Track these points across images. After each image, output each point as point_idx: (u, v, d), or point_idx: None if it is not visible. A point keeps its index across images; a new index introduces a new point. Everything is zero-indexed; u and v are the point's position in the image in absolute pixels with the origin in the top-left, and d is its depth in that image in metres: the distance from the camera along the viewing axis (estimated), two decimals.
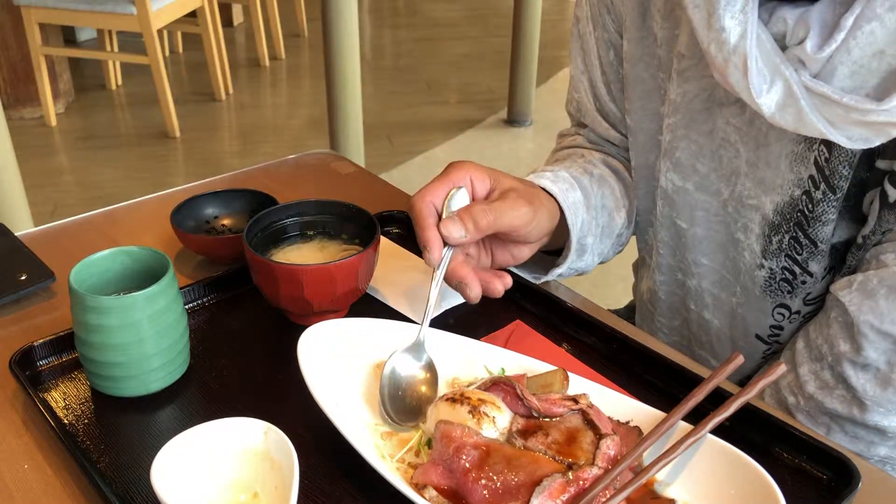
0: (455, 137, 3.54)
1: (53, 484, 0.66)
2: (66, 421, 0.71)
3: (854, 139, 0.64)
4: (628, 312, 1.10)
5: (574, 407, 0.65)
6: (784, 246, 0.78)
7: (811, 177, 0.73)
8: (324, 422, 0.64)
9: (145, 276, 0.74)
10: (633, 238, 0.98)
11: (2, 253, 0.94)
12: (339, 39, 2.54)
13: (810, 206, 0.74)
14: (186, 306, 0.82)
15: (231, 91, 3.94)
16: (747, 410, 0.70)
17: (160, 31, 3.69)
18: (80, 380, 0.76)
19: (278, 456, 0.60)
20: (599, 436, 0.62)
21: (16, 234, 0.98)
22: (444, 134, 3.56)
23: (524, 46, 3.47)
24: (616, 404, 0.69)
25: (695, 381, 0.74)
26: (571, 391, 0.69)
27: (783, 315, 0.81)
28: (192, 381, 0.76)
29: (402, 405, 0.69)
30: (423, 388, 0.70)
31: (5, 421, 0.72)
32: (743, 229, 0.80)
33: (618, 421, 0.67)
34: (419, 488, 0.60)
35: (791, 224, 0.76)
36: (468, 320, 0.82)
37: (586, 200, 0.84)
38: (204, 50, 3.69)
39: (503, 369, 0.73)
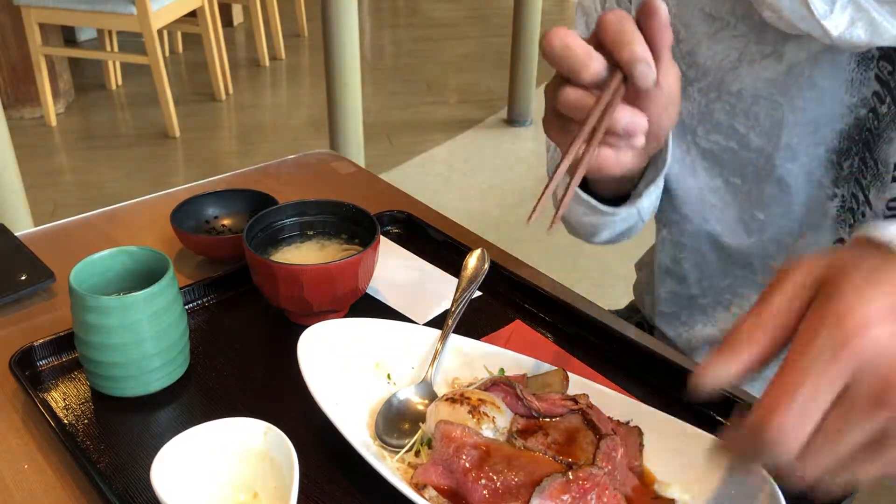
0: (455, 137, 3.54)
1: (53, 484, 0.66)
2: (66, 421, 0.71)
3: None
4: (628, 312, 1.10)
5: (574, 407, 0.65)
6: (854, 170, 0.76)
7: (875, 93, 0.72)
8: (324, 422, 0.64)
9: (145, 276, 0.74)
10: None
11: (2, 253, 0.94)
12: (339, 39, 2.54)
13: (876, 122, 0.73)
14: (186, 306, 0.82)
15: (231, 91, 3.94)
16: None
17: (160, 31, 3.69)
18: (80, 380, 0.76)
19: (278, 456, 0.60)
20: (599, 436, 0.63)
21: (16, 234, 0.98)
22: (444, 134, 3.56)
23: (524, 46, 3.47)
24: (616, 404, 0.69)
25: None
26: (571, 391, 0.69)
27: None
28: (192, 381, 0.76)
29: (397, 432, 0.68)
30: (422, 425, 0.68)
31: (5, 421, 0.72)
32: (806, 169, 0.79)
33: (618, 421, 0.67)
34: (419, 488, 0.60)
35: (860, 145, 0.75)
36: (468, 320, 0.82)
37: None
38: (204, 50, 3.69)
39: (503, 369, 0.73)
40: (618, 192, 0.81)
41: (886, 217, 0.75)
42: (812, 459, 0.45)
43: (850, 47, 0.68)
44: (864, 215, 0.76)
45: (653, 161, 0.78)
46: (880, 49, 0.70)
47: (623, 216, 0.83)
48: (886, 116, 0.72)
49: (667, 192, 0.90)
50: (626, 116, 0.58)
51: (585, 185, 0.82)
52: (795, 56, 0.74)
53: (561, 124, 0.62)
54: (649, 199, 0.83)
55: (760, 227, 0.85)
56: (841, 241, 0.78)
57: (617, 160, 0.66)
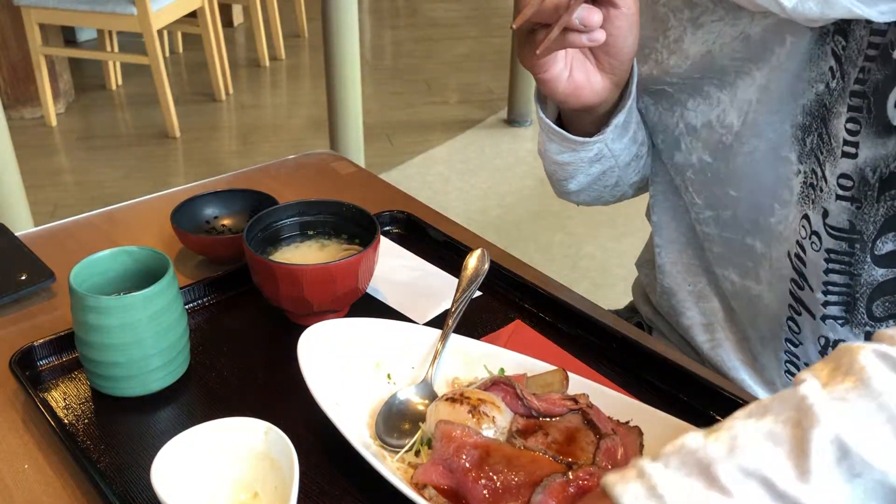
0: (455, 137, 3.54)
1: (53, 484, 0.66)
2: (66, 421, 0.71)
3: (885, 13, 0.66)
4: (628, 312, 1.10)
5: (574, 407, 0.65)
6: (814, 145, 0.77)
7: (830, 68, 0.73)
8: (324, 422, 0.64)
9: (145, 276, 0.74)
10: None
11: (2, 253, 0.94)
12: (339, 39, 2.54)
13: (829, 97, 0.74)
14: (186, 306, 0.82)
15: (231, 91, 3.94)
16: None
17: (160, 32, 3.69)
18: (80, 380, 0.76)
19: (278, 456, 0.60)
20: (599, 436, 0.63)
21: (16, 234, 0.98)
22: (444, 134, 3.56)
23: None
24: (616, 404, 0.69)
25: (694, 380, 0.74)
26: (571, 391, 0.69)
27: (805, 230, 0.79)
28: (192, 381, 0.76)
29: (397, 432, 0.68)
30: (422, 425, 0.69)
31: (5, 421, 0.72)
32: (773, 145, 0.80)
33: (618, 421, 0.67)
34: (419, 488, 0.60)
35: (819, 121, 0.76)
36: (468, 320, 0.82)
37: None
38: (204, 50, 3.69)
39: (503, 369, 0.73)
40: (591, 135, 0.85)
41: (838, 196, 0.75)
42: None
43: (804, 20, 0.69)
44: (821, 190, 0.76)
45: (622, 94, 0.83)
46: (835, 24, 0.71)
47: (595, 153, 0.85)
48: (836, 91, 0.73)
49: (661, 162, 0.91)
50: (582, 10, 0.67)
51: (560, 125, 0.86)
52: (759, 34, 0.76)
53: (532, 47, 0.71)
54: (621, 139, 0.85)
55: (734, 202, 0.85)
56: (806, 217, 0.79)
57: (588, 82, 0.77)
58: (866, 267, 0.75)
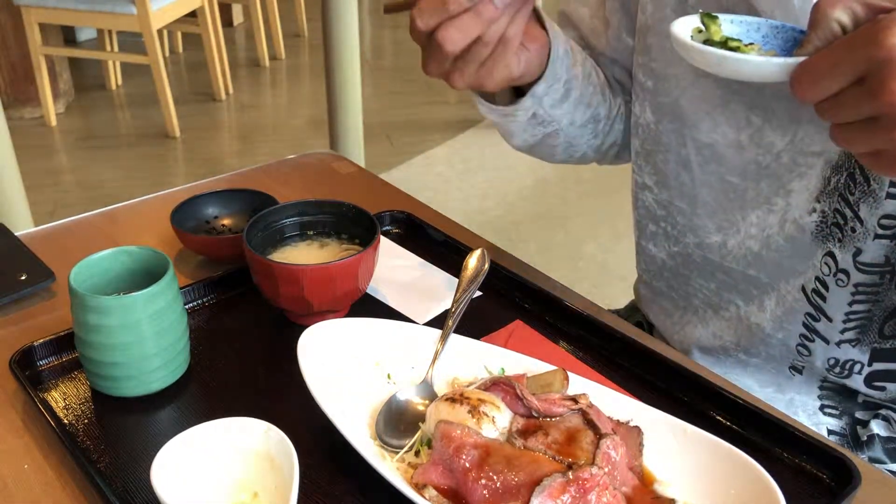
0: (455, 137, 3.54)
1: (53, 484, 0.66)
2: (66, 421, 0.71)
3: None
4: (628, 312, 1.10)
5: (574, 407, 0.65)
6: (839, 185, 0.75)
7: None
8: (324, 422, 0.64)
9: (145, 276, 0.74)
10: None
11: (2, 253, 0.94)
12: (339, 39, 2.54)
13: None
14: (186, 306, 0.82)
15: (231, 91, 3.94)
16: (747, 410, 0.71)
17: (160, 31, 3.69)
18: (80, 380, 0.76)
19: (278, 456, 0.60)
20: (599, 436, 0.62)
21: (16, 234, 0.98)
22: (444, 134, 3.56)
23: None
24: (616, 404, 0.69)
25: (694, 380, 0.74)
26: (571, 391, 0.69)
27: (829, 268, 0.78)
28: (192, 381, 0.76)
29: (397, 432, 0.68)
30: (422, 425, 0.69)
31: (5, 421, 0.72)
32: (799, 177, 0.78)
33: (618, 421, 0.67)
34: (419, 488, 0.60)
35: (852, 161, 0.74)
36: (468, 320, 0.82)
37: (573, 56, 0.84)
38: (204, 50, 3.69)
39: (503, 369, 0.73)
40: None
41: (878, 235, 0.75)
42: (824, 114, 0.57)
43: None
44: (853, 230, 0.76)
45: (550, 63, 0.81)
46: None
47: (530, 117, 0.84)
48: None
49: (665, 183, 0.90)
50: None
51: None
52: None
53: (474, 76, 0.71)
54: (560, 105, 0.84)
55: (746, 229, 0.84)
56: (831, 254, 0.79)
57: (527, 62, 0.76)
58: (890, 293, 0.76)
